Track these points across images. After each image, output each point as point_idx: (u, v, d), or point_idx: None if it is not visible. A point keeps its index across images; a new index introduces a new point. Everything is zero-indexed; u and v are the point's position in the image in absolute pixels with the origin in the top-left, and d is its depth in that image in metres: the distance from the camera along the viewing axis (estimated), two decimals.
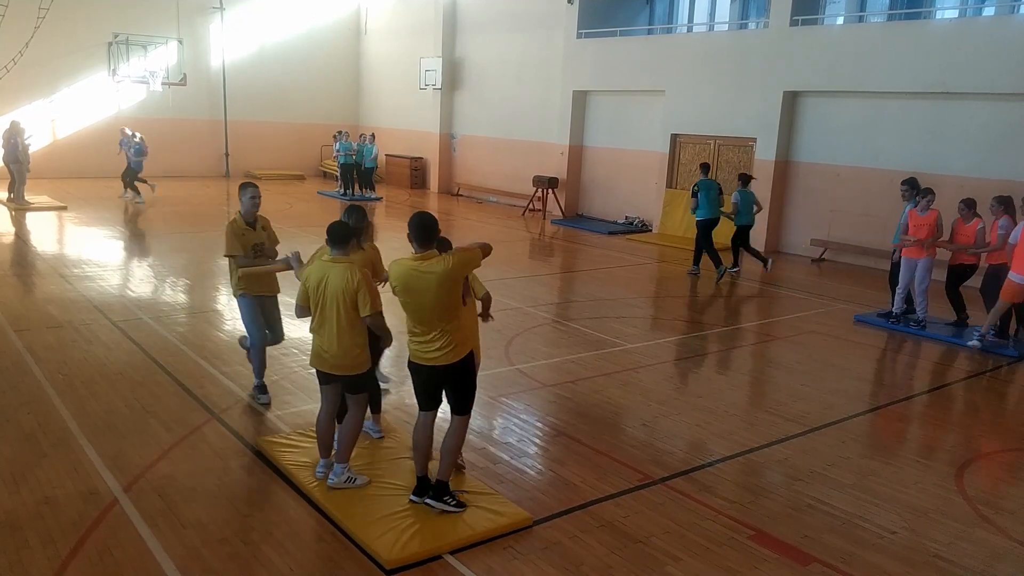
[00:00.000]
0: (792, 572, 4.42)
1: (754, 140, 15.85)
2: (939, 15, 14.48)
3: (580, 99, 19.47)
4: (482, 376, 6.24)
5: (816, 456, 6.02)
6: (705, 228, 12.93)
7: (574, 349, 8.63)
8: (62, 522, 4.55)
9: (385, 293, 4.97)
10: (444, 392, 4.84)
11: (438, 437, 5.04)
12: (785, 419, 6.78)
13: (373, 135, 22.47)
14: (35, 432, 5.76)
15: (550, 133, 20.11)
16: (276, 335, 6.73)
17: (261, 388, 6.60)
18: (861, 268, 14.30)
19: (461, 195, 23.22)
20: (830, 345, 9.33)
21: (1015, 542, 4.89)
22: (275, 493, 5.05)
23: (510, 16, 21.08)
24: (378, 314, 4.85)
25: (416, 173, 24.43)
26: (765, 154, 15.58)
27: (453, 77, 23.11)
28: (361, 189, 21.68)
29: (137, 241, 14.10)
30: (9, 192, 17.01)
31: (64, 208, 16.83)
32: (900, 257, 9.97)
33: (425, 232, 4.59)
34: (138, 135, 18.99)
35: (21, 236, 14.00)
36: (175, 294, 10.48)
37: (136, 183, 18.45)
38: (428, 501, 4.75)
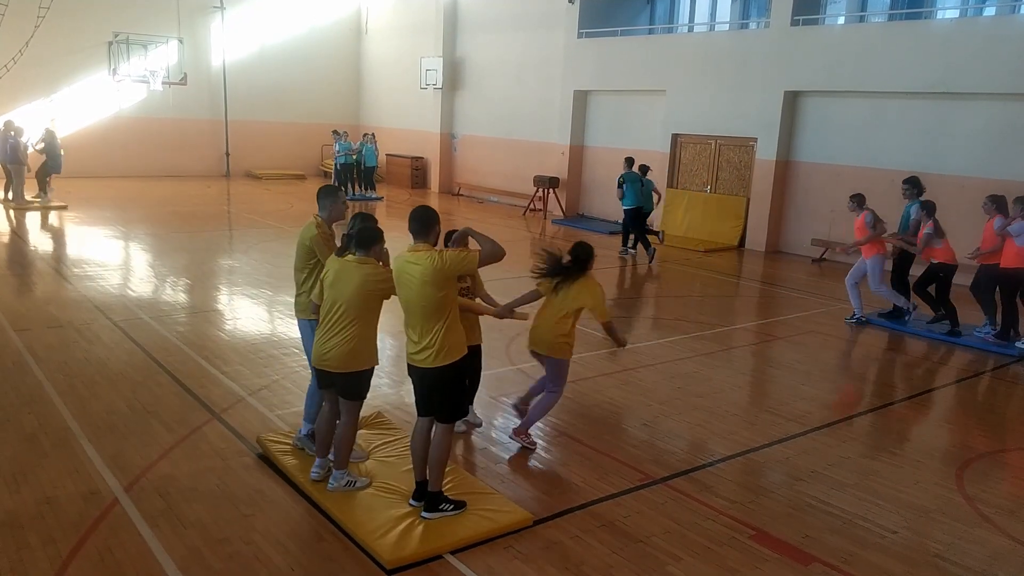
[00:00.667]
0: (793, 572, 4.42)
1: (755, 140, 15.86)
2: (940, 15, 14.48)
3: (581, 99, 19.47)
4: (483, 376, 6.25)
5: (817, 456, 6.02)
6: (632, 215, 14.17)
7: (575, 349, 8.59)
8: (63, 522, 4.55)
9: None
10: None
11: None
12: (786, 419, 6.78)
13: (372, 135, 22.49)
14: (36, 432, 5.77)
15: (551, 133, 20.11)
16: None
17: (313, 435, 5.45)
18: None
19: (462, 195, 23.22)
20: (831, 345, 9.33)
21: (1016, 542, 4.88)
22: (276, 493, 5.05)
23: (511, 16, 21.08)
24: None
25: (417, 173, 24.44)
26: (766, 154, 15.57)
27: (454, 77, 23.10)
28: (362, 189, 21.70)
29: (137, 241, 14.10)
30: (6, 192, 17.02)
31: (64, 207, 16.83)
32: (899, 256, 10.01)
33: (418, 224, 4.60)
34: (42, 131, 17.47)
35: (21, 236, 14.01)
36: (176, 294, 10.48)
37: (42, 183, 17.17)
38: (423, 515, 4.69)
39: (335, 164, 21.53)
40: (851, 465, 5.89)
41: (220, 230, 15.77)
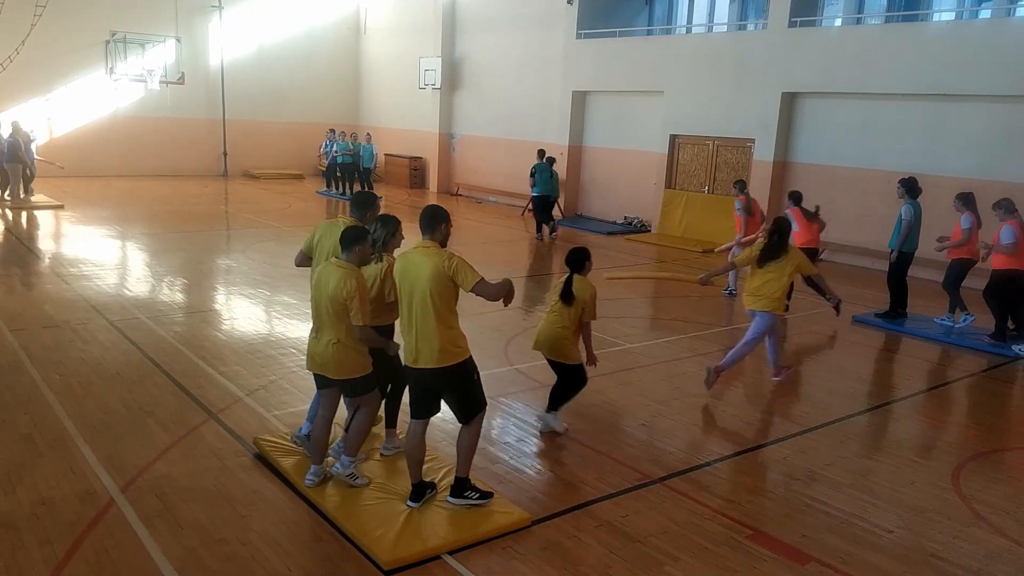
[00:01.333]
0: (790, 571, 4.42)
1: (752, 141, 15.87)
2: (936, 17, 14.51)
3: (579, 99, 19.47)
4: (482, 376, 6.24)
5: (814, 456, 6.02)
6: (540, 203, 15.88)
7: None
8: (59, 523, 4.54)
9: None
10: (443, 399, 4.77)
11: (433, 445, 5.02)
12: (783, 419, 6.79)
13: (368, 135, 22.48)
14: (31, 432, 5.75)
15: (549, 133, 20.10)
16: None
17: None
18: (859, 268, 14.31)
19: (460, 195, 23.21)
20: (827, 345, 9.34)
21: (1011, 541, 4.89)
22: (273, 493, 5.04)
23: (510, 16, 21.08)
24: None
25: (415, 173, 24.43)
26: (763, 155, 15.59)
27: (452, 77, 23.10)
28: (361, 189, 21.71)
29: (134, 240, 14.08)
30: (3, 191, 16.99)
31: (61, 207, 16.80)
32: (896, 257, 10.02)
33: (426, 220, 4.62)
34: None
35: (17, 235, 13.97)
36: (173, 293, 10.47)
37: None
38: (449, 499, 4.73)
39: (331, 162, 21.62)
40: (848, 465, 5.89)
41: (217, 230, 15.75)
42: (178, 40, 23.17)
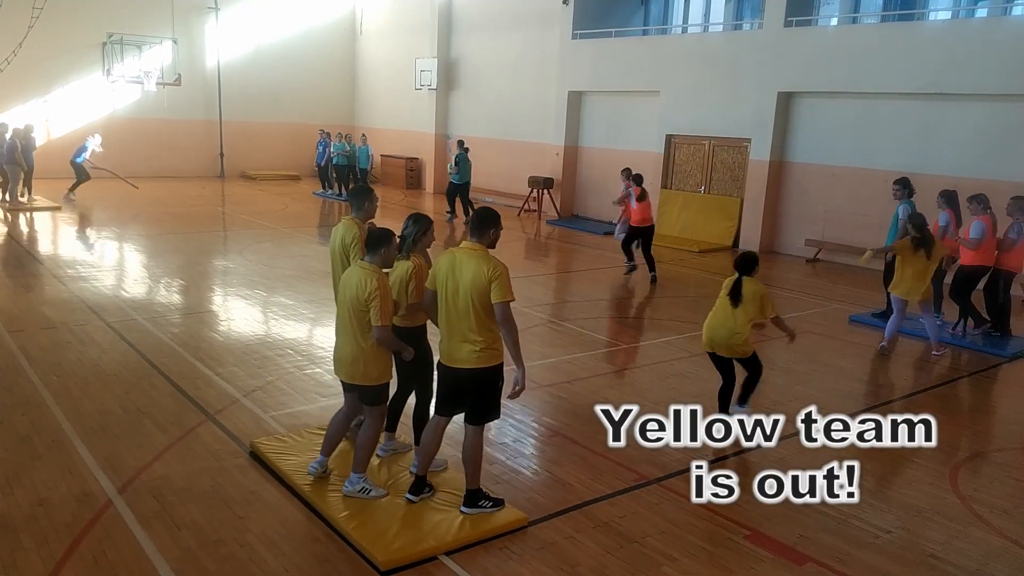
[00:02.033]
0: (788, 572, 4.43)
1: (749, 140, 15.88)
2: (932, 16, 14.53)
3: (575, 99, 19.48)
4: None
5: (812, 456, 6.01)
6: (461, 189, 17.86)
7: (570, 349, 8.63)
8: (56, 524, 4.53)
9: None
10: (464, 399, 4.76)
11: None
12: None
13: (364, 136, 22.47)
14: (29, 434, 5.74)
15: (546, 133, 20.11)
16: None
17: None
18: (856, 268, 14.32)
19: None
20: (825, 345, 9.35)
21: (1009, 541, 4.90)
22: (270, 494, 5.04)
23: (506, 17, 21.08)
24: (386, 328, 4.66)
25: (411, 174, 24.41)
26: (760, 154, 15.60)
27: (449, 77, 23.10)
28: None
29: (132, 242, 14.06)
30: (3, 192, 16.97)
31: (58, 208, 16.78)
32: (893, 257, 10.01)
33: (476, 222, 4.65)
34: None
35: (15, 237, 13.95)
36: (170, 295, 10.46)
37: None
38: (463, 509, 4.74)
39: (324, 162, 21.65)
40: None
41: (214, 231, 15.74)
42: (175, 41, 23.13)
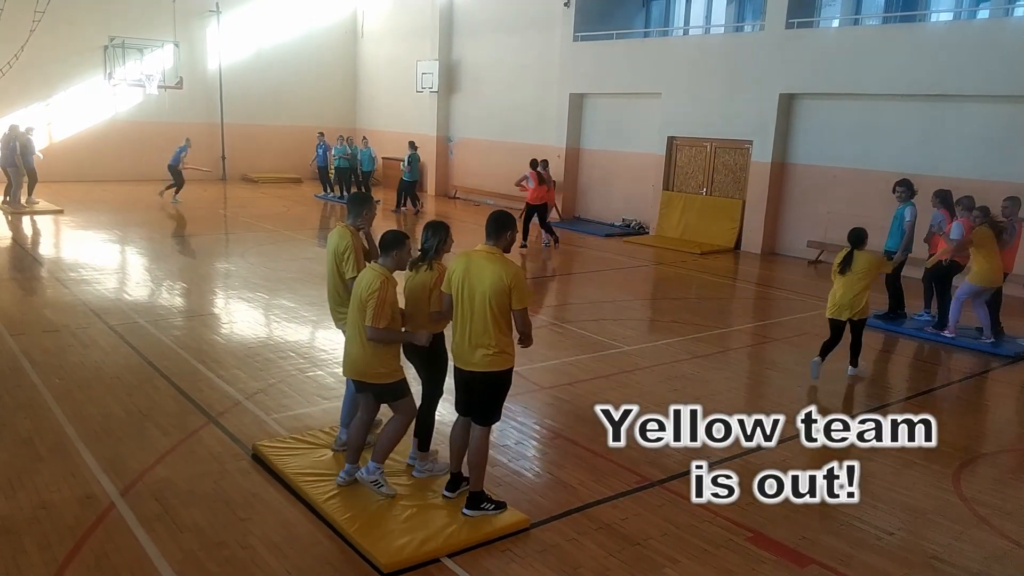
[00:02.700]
0: (790, 574, 4.42)
1: (750, 142, 15.88)
2: (934, 18, 14.53)
3: (577, 101, 19.48)
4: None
5: (813, 457, 6.01)
6: (410, 186, 19.46)
7: (572, 351, 8.63)
8: (59, 527, 4.54)
9: None
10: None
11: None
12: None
13: (365, 139, 22.47)
14: (31, 436, 5.75)
15: (547, 135, 20.12)
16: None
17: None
18: None
19: (458, 198, 23.22)
20: None
21: (1013, 543, 4.89)
22: (273, 497, 5.04)
23: (507, 19, 21.10)
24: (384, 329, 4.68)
25: None
26: (761, 156, 15.60)
27: (450, 80, 23.11)
28: (359, 191, 21.73)
29: (133, 244, 14.08)
30: (5, 195, 17.00)
31: (60, 212, 16.80)
32: (899, 261, 10.05)
33: (492, 225, 4.67)
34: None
35: (17, 240, 13.98)
36: (172, 297, 10.47)
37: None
38: (465, 511, 4.76)
39: (322, 165, 21.80)
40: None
41: (216, 234, 15.76)
42: (176, 45, 23.18)
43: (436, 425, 5.36)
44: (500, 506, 4.83)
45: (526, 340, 4.75)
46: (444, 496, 4.92)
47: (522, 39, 20.70)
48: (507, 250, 4.70)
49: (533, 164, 15.77)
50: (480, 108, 22.35)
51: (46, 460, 5.38)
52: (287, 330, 8.92)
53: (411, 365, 5.28)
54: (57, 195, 18.77)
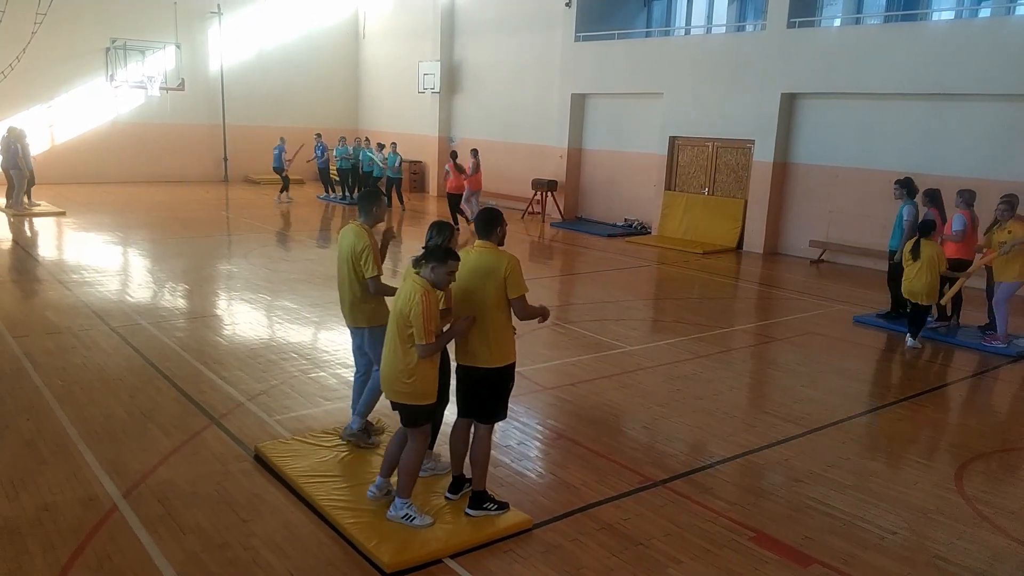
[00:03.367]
0: (793, 573, 4.41)
1: (752, 142, 15.87)
2: (936, 16, 14.51)
3: (579, 102, 19.49)
4: None
5: (816, 457, 6.02)
6: (390, 182, 20.14)
7: (574, 352, 8.63)
8: (62, 528, 4.54)
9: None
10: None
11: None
12: (785, 420, 6.78)
13: (367, 139, 22.49)
14: (34, 438, 5.76)
15: (549, 136, 20.13)
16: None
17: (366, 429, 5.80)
18: (860, 269, 14.31)
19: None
20: (830, 346, 9.33)
21: (1015, 542, 4.88)
22: (275, 498, 5.04)
23: (508, 19, 21.11)
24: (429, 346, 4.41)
25: (415, 177, 24.44)
26: (763, 156, 15.60)
27: (452, 80, 23.13)
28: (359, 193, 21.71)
29: (136, 246, 14.09)
30: (8, 198, 17.02)
31: (63, 213, 16.83)
32: (899, 259, 10.02)
33: (482, 224, 4.74)
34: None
35: (19, 242, 14.00)
36: (174, 299, 10.48)
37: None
38: (468, 511, 4.77)
39: (322, 166, 21.90)
40: (850, 466, 5.89)
41: (218, 235, 15.77)
42: (178, 46, 23.22)
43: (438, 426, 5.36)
44: (503, 506, 4.84)
45: (542, 319, 4.79)
46: (447, 498, 4.94)
47: (523, 39, 20.71)
48: (501, 243, 4.76)
49: (453, 156, 17.62)
50: (482, 108, 22.36)
51: (48, 462, 5.39)
52: (289, 331, 8.93)
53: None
54: (59, 197, 18.81)
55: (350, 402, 5.96)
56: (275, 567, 4.26)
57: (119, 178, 22.71)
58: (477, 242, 4.74)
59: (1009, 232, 8.85)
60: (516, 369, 4.84)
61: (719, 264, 14.68)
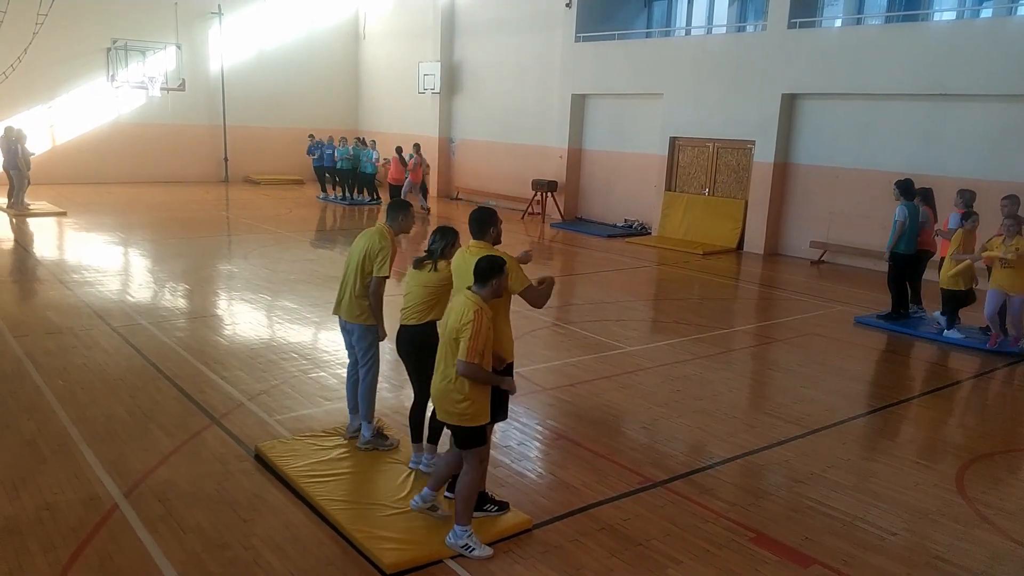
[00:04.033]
0: (793, 574, 4.42)
1: (752, 143, 15.87)
2: (937, 17, 14.52)
3: (579, 102, 19.49)
4: None
5: (816, 458, 6.02)
6: (369, 178, 21.35)
7: (574, 352, 8.64)
8: (62, 528, 4.55)
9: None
10: None
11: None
12: (785, 421, 6.79)
13: (364, 139, 22.50)
14: (35, 438, 5.76)
15: (549, 136, 20.14)
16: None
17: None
18: (860, 270, 14.31)
19: (460, 199, 23.24)
20: (830, 347, 9.33)
21: (1016, 543, 4.89)
22: (275, 498, 5.04)
23: (508, 20, 21.12)
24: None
25: None
26: (764, 156, 15.60)
27: (452, 81, 23.14)
28: (361, 194, 21.75)
29: (136, 246, 14.10)
30: (9, 198, 17.03)
31: (64, 214, 16.84)
32: (891, 259, 10.07)
33: (475, 224, 4.81)
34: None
35: (20, 242, 14.01)
36: (175, 299, 10.48)
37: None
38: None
39: (318, 166, 21.85)
40: (851, 467, 5.89)
41: (219, 235, 15.77)
42: (178, 47, 23.24)
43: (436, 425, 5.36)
44: (503, 507, 4.84)
45: (546, 295, 4.81)
46: (446, 498, 4.93)
47: (524, 40, 20.72)
48: (496, 242, 4.78)
49: (398, 151, 19.66)
50: (482, 109, 22.37)
51: (49, 461, 5.40)
52: (290, 331, 8.93)
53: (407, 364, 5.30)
54: (60, 197, 18.82)
55: (347, 401, 5.96)
56: (275, 567, 4.26)
57: (120, 178, 22.73)
58: (471, 242, 4.75)
59: (1016, 249, 8.71)
60: (516, 371, 4.84)
61: (719, 265, 14.69)
